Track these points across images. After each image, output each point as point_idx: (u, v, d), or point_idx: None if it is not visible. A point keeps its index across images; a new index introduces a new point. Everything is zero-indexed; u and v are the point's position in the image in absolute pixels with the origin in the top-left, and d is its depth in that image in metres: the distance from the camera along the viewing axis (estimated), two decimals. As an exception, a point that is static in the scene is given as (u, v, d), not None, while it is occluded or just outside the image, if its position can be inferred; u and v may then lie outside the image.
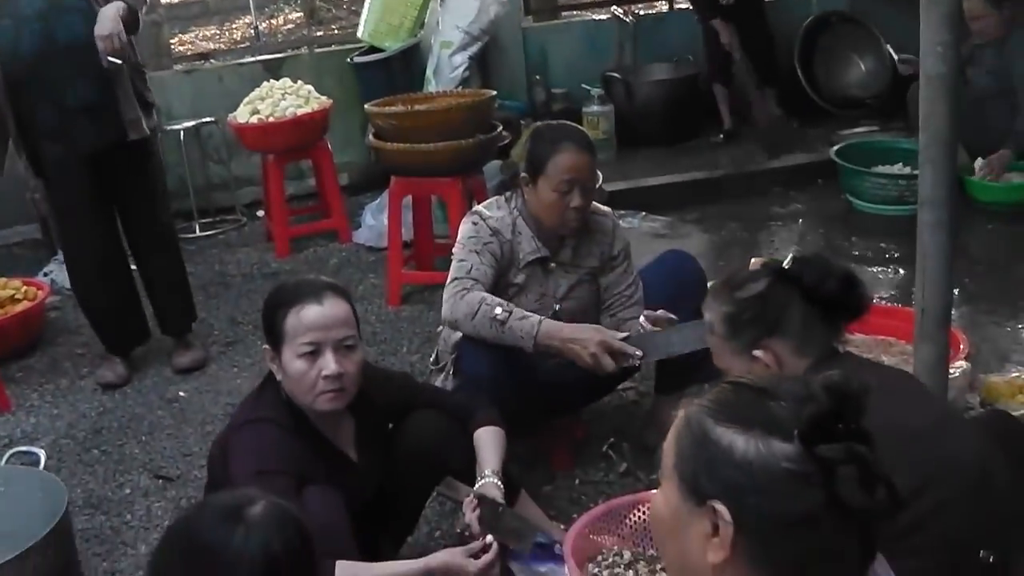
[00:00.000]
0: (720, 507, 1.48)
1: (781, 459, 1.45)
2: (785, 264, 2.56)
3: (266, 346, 2.94)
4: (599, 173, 5.44)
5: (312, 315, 2.84)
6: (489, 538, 2.87)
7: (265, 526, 1.88)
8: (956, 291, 5.22)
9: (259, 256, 6.66)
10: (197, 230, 7.16)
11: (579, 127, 3.88)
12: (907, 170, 6.50)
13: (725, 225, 6.54)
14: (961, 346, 4.04)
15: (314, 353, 2.83)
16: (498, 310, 3.40)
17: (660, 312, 3.50)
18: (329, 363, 2.82)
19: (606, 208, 3.94)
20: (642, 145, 7.84)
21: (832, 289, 2.51)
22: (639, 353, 3.39)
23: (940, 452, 2.36)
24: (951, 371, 3.61)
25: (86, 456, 4.42)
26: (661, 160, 7.56)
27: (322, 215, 6.96)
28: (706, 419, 1.53)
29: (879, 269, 5.70)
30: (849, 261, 5.62)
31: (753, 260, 2.66)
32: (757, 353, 2.48)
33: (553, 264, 3.74)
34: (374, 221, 6.56)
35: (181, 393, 4.90)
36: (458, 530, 3.30)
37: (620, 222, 3.99)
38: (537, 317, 3.44)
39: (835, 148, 6.90)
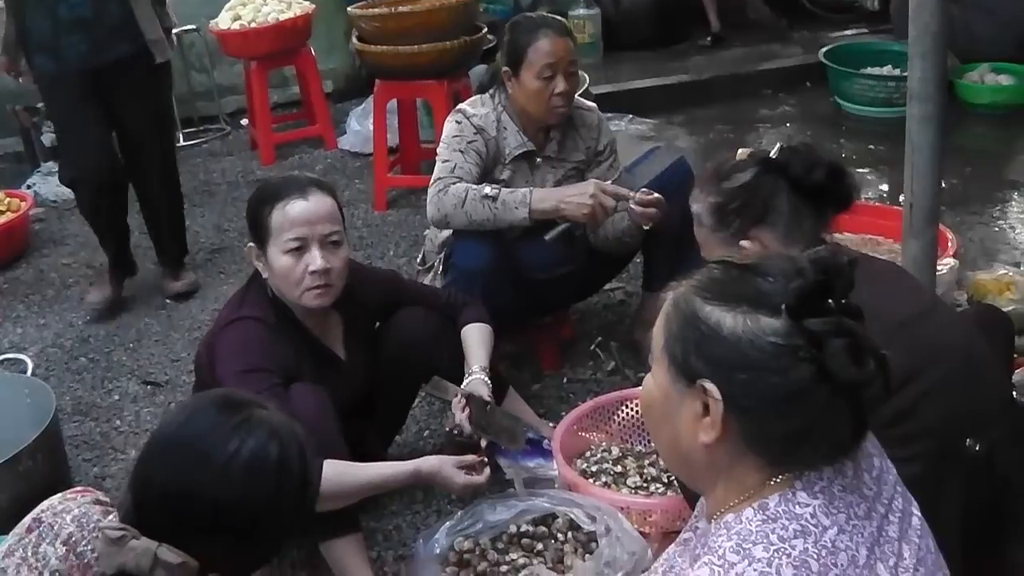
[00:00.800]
0: (710, 385, 1.48)
1: (769, 334, 1.44)
2: (772, 154, 2.53)
3: (251, 244, 2.91)
4: (585, 75, 5.41)
5: (298, 210, 2.81)
6: (483, 447, 2.87)
7: (265, 432, 1.83)
8: (945, 191, 5.22)
9: (244, 164, 6.60)
10: (181, 139, 7.04)
11: (555, 16, 3.81)
12: (896, 72, 6.46)
13: (712, 127, 6.50)
14: (949, 244, 4.05)
15: (300, 249, 2.81)
16: (487, 188, 3.41)
17: (655, 195, 3.47)
18: (316, 259, 2.80)
19: (592, 103, 3.92)
20: (629, 48, 7.74)
21: (819, 178, 2.48)
22: (632, 194, 3.43)
23: (928, 340, 2.36)
24: (939, 267, 3.61)
25: (74, 364, 4.41)
26: (648, 63, 7.48)
27: (306, 122, 6.89)
28: (694, 298, 1.52)
29: (867, 170, 5.69)
30: (837, 162, 5.61)
31: (740, 151, 2.63)
32: (745, 243, 2.46)
33: (539, 159, 3.71)
34: (359, 127, 6.50)
35: (168, 300, 4.88)
36: (447, 429, 3.30)
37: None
38: (527, 188, 3.46)
39: (824, 50, 6.84)
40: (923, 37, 3.04)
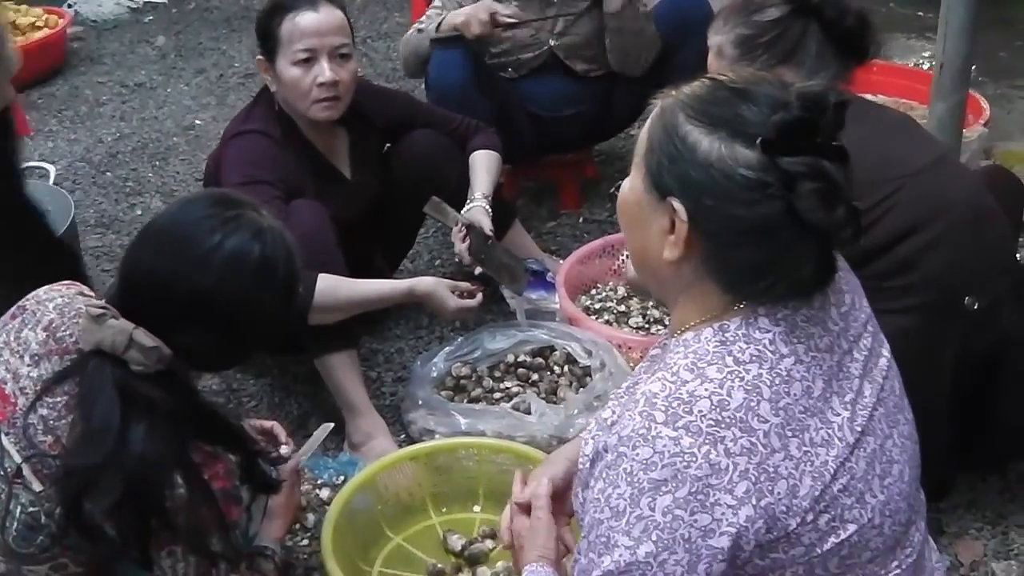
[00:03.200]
0: (678, 204, 1.46)
1: (742, 165, 1.41)
2: None
3: (260, 57, 2.91)
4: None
5: (307, 21, 2.81)
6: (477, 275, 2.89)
7: (251, 231, 1.87)
8: (991, 61, 5.10)
9: (287, -7, 6.51)
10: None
11: None
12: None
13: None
14: (983, 112, 3.95)
15: (309, 60, 2.81)
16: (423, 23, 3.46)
17: None
18: (324, 70, 2.80)
19: None
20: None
21: (850, 24, 2.44)
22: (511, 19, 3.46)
23: (936, 191, 2.34)
24: (967, 134, 3.54)
25: (100, 179, 4.45)
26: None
27: (355, -50, 6.78)
28: (678, 113, 1.48)
29: (914, 35, 5.53)
30: (885, 27, 5.46)
31: None
32: None
33: None
34: (404, -40, 6.41)
35: (197, 121, 4.90)
36: (457, 260, 3.32)
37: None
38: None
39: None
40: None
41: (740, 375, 1.43)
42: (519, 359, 2.99)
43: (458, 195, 3.09)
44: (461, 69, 3.41)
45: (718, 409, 1.40)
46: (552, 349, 3.00)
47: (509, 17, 3.43)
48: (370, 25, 5.93)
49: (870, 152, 2.37)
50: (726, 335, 1.47)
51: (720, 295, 1.50)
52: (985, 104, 4.03)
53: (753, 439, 1.40)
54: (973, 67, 5.05)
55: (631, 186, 1.57)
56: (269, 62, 2.87)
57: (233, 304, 1.86)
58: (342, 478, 2.67)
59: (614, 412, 1.50)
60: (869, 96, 4.30)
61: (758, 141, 1.40)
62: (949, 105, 3.17)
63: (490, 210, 3.04)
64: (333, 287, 2.63)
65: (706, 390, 1.42)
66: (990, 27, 5.44)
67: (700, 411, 1.40)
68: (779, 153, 1.40)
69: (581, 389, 2.86)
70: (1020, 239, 3.07)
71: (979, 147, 3.69)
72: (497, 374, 2.98)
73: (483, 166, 3.13)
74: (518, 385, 2.93)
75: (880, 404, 1.55)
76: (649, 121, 1.55)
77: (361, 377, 2.87)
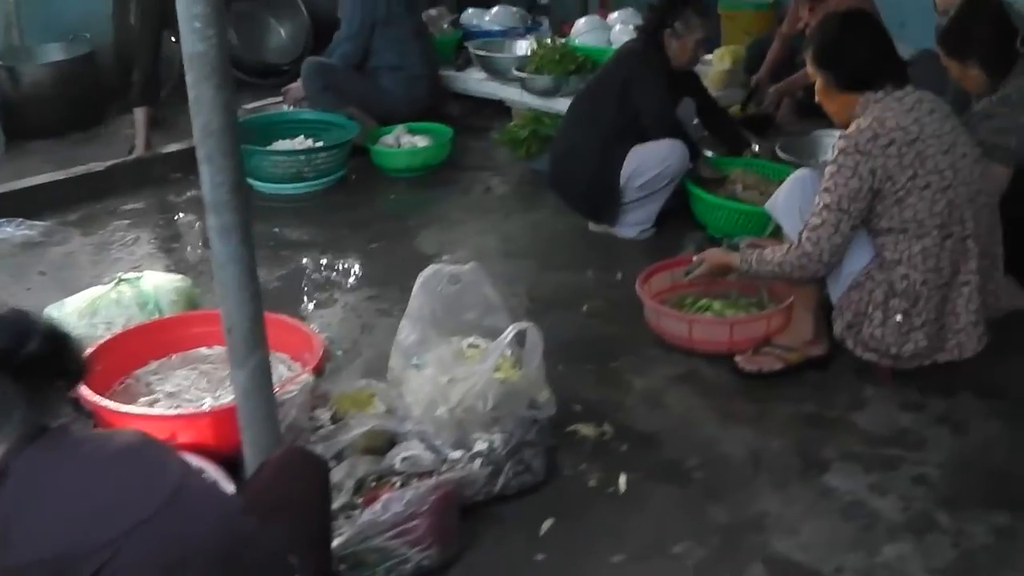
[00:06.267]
0: None
1: None
2: None
3: None
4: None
5: None
6: None
7: None
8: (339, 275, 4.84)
9: None
10: None
11: None
12: (308, 142, 6.12)
13: (109, 224, 5.68)
14: (316, 353, 3.55)
15: None
16: None
17: None
18: None
19: None
20: (35, 138, 6.84)
21: (33, 350, 1.97)
22: None
23: (173, 536, 1.95)
24: (289, 390, 3.15)
25: None
26: (55, 153, 6.60)
27: None
28: None
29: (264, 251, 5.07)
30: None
31: None
32: None
33: None
34: None
35: None
36: None
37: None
38: None
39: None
40: (207, 138, 2.68)
41: None
42: None
43: None
44: None
45: None
46: None
47: None
48: None
49: (78, 508, 1.89)
50: None
51: None
52: (321, 343, 3.64)
53: None
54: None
55: None
56: None
57: None
58: None
59: None
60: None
61: None
62: (248, 371, 2.78)
63: None
64: None
65: None
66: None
67: None
68: None
69: None
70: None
71: (305, 400, 3.22)
72: None
73: None
74: None
75: None
76: None
77: None
